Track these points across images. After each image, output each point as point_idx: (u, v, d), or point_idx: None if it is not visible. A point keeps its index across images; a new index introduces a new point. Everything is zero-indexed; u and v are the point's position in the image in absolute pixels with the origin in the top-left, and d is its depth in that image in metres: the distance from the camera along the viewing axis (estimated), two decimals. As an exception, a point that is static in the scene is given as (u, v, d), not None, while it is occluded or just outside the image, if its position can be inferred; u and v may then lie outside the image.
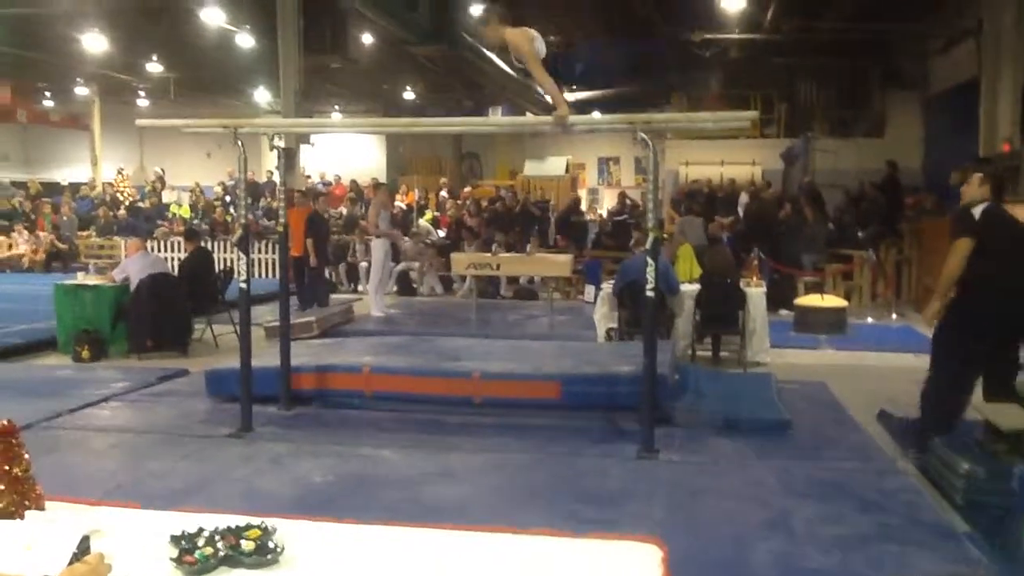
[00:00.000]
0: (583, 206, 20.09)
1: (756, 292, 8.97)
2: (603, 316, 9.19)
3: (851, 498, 4.62)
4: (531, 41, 5.49)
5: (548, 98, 6.44)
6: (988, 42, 13.54)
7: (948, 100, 16.21)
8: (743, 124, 6.09)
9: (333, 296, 13.23)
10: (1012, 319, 5.27)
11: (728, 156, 19.27)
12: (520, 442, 5.72)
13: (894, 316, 11.88)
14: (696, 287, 8.95)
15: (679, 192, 17.63)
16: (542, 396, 6.31)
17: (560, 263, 11.66)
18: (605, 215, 18.48)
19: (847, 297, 11.94)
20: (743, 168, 19.17)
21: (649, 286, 5.40)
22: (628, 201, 17.65)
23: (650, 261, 5.42)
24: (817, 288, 11.42)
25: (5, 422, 2.12)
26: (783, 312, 10.97)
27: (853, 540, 4.05)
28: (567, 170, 21.23)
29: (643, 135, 5.36)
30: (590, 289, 12.80)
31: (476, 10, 13.91)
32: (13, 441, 2.11)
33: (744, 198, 16.29)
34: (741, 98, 18.68)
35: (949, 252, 5.32)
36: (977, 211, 5.34)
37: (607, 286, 9.41)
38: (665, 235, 12.62)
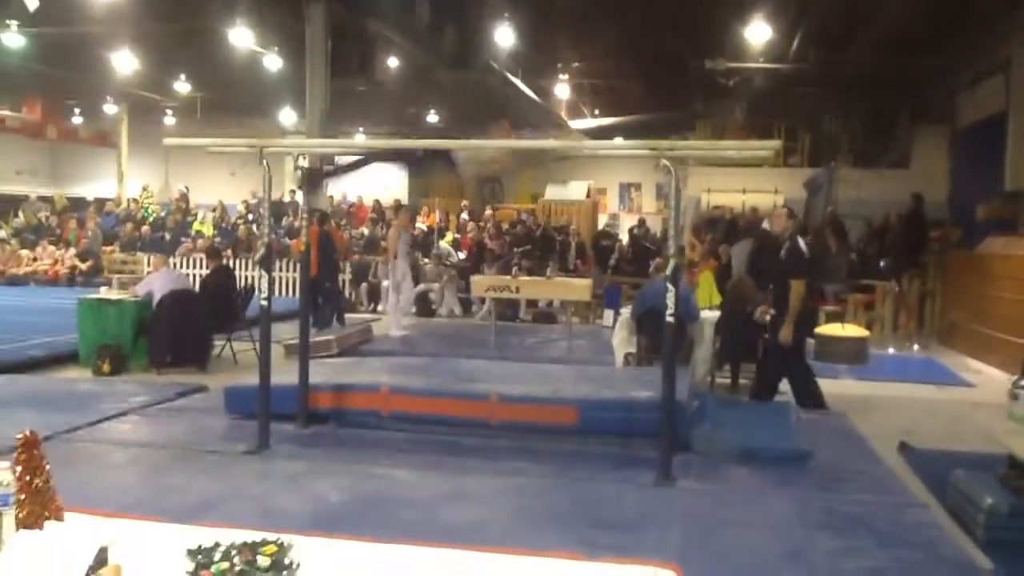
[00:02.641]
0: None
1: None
2: (622, 341, 9.15)
3: (871, 532, 4.56)
4: None
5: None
6: (1017, 78, 13.50)
7: (975, 134, 16.12)
8: (766, 154, 6.05)
9: (353, 316, 13.30)
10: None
11: (750, 184, 19.22)
12: (536, 466, 5.69)
13: (916, 347, 11.78)
14: (716, 314, 8.91)
15: (700, 219, 17.59)
16: (559, 420, 6.28)
17: (580, 287, 11.66)
18: (627, 240, 18.44)
19: (869, 328, 11.84)
20: (765, 196, 19.09)
21: (669, 312, 5.37)
22: (647, 227, 17.66)
23: (670, 287, 5.40)
24: (838, 318, 11.33)
25: (27, 433, 2.13)
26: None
27: (873, 575, 4.00)
28: (588, 195, 21.26)
29: (666, 162, 5.37)
30: (609, 313, 12.77)
31: (502, 37, 14.04)
32: (35, 452, 2.12)
33: (766, 226, 16.22)
34: (765, 127, 18.65)
35: (793, 288, 7.24)
36: (802, 245, 7.33)
37: (626, 311, 9.38)
38: (686, 261, 12.59)
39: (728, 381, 8.95)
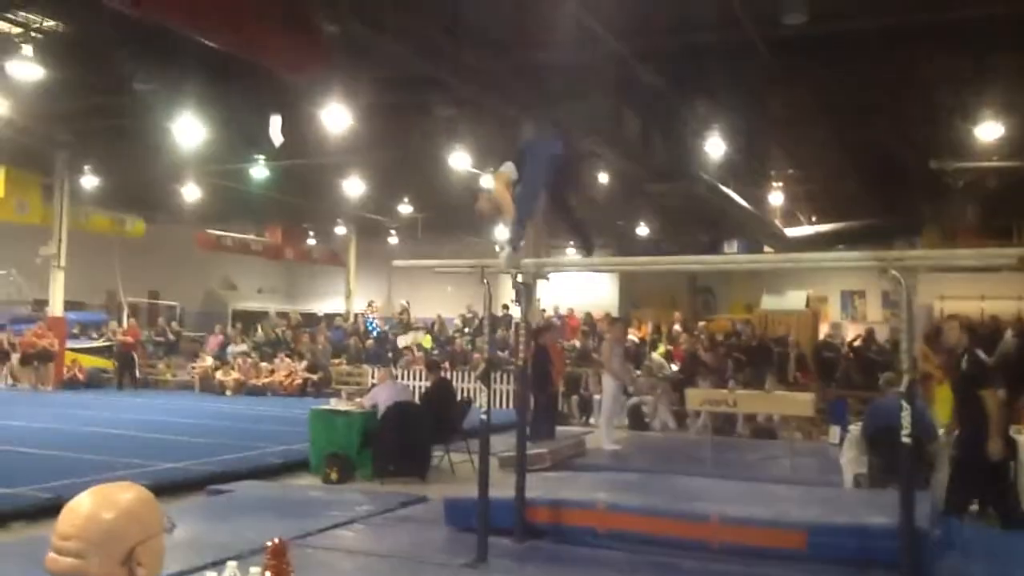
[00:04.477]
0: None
1: (1029, 441, 8.09)
2: (851, 460, 8.59)
3: None
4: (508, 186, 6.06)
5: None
6: None
7: None
8: (1008, 262, 5.65)
9: (566, 428, 13.33)
10: None
11: (989, 290, 17.89)
12: (763, 594, 5.36)
13: None
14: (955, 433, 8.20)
15: (933, 328, 16.46)
16: (786, 546, 5.91)
17: (801, 401, 11.15)
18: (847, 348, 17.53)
19: None
20: (1007, 303, 17.69)
21: (905, 431, 5.02)
22: (873, 337, 16.71)
23: (905, 404, 5.05)
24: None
25: (277, 541, 2.25)
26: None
27: None
28: (807, 304, 20.48)
29: (894, 272, 5.11)
30: (834, 430, 12.07)
31: (712, 146, 14.00)
32: (283, 560, 2.23)
33: (1009, 335, 14.97)
34: (1003, 229, 17.41)
35: (989, 400, 6.96)
36: (982, 355, 7.30)
37: (855, 428, 8.85)
38: (920, 374, 11.78)
39: (975, 506, 8.13)
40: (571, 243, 24.55)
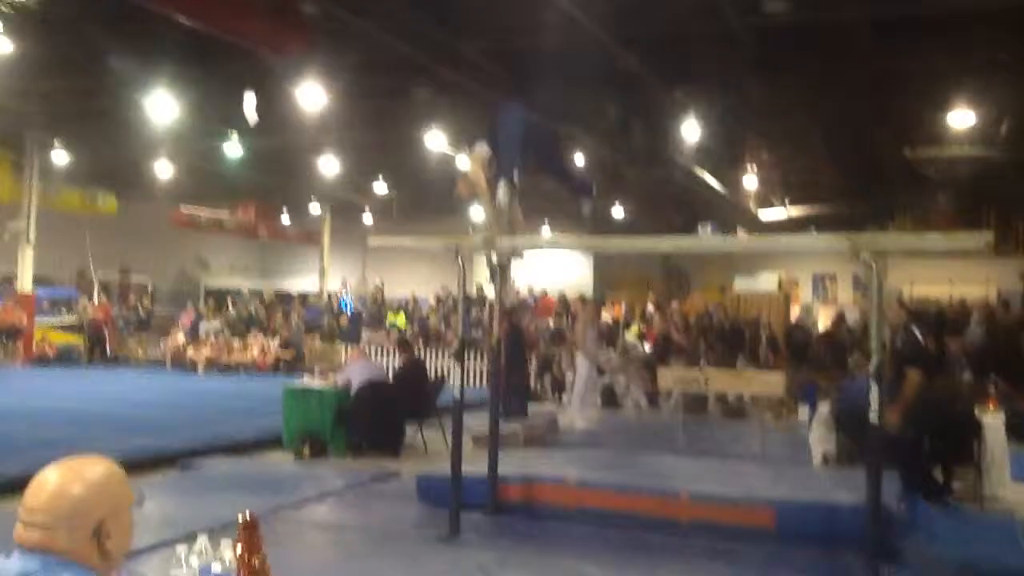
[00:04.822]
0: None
1: (994, 421, 8.22)
2: (819, 438, 8.70)
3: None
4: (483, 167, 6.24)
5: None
6: None
7: None
8: (975, 245, 5.73)
9: (538, 406, 13.40)
10: None
11: (958, 275, 18.10)
12: (731, 569, 5.43)
13: None
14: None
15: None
16: (754, 523, 5.99)
17: (772, 381, 11.27)
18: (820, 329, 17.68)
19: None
20: (975, 288, 17.90)
21: (873, 411, 5.09)
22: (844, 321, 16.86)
23: (874, 385, 5.13)
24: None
25: (248, 515, 2.25)
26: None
27: None
28: (780, 286, 20.62)
29: (865, 256, 5.16)
30: (804, 409, 12.20)
31: (689, 132, 13.97)
32: (254, 533, 2.23)
33: (975, 323, 15.19)
34: (973, 215, 17.60)
35: (910, 377, 7.06)
36: (919, 335, 7.30)
37: (823, 407, 8.95)
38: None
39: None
40: (547, 222, 24.66)
